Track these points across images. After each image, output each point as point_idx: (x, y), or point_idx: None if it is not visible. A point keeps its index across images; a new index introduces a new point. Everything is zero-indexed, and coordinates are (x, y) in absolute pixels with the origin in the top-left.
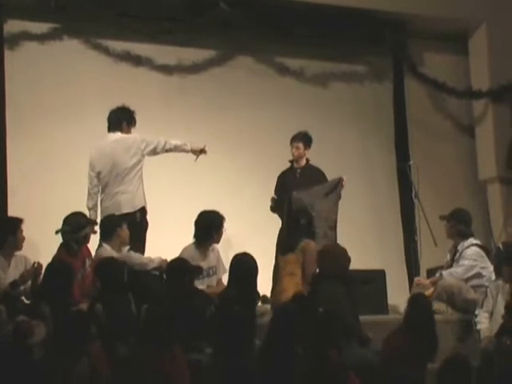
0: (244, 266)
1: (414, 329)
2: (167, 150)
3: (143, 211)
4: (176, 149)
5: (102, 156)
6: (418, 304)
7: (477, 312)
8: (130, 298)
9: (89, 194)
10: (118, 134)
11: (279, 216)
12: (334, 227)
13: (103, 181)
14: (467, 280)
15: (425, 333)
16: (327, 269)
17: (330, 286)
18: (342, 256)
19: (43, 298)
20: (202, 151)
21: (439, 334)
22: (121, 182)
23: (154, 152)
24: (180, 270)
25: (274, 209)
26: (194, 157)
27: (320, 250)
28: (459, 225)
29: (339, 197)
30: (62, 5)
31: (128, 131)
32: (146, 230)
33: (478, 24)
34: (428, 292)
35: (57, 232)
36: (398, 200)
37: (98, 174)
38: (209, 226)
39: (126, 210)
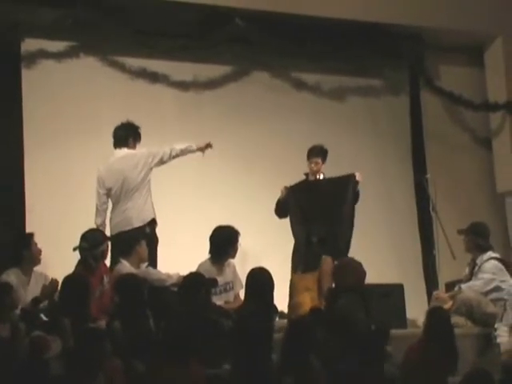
0: (260, 280)
1: (433, 342)
2: (174, 157)
3: (153, 223)
4: (183, 153)
5: (111, 173)
6: (437, 317)
7: (496, 325)
8: (149, 314)
9: (97, 211)
10: (125, 150)
11: (282, 213)
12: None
13: (114, 197)
14: (486, 293)
15: (444, 345)
16: (343, 283)
17: (347, 299)
18: (358, 270)
19: (61, 311)
20: (208, 146)
21: (459, 348)
22: (130, 198)
23: (161, 162)
24: (195, 284)
25: (280, 203)
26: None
27: (336, 265)
28: (477, 238)
29: (356, 195)
30: (78, 23)
31: (134, 147)
32: (156, 244)
33: (494, 37)
34: (447, 306)
35: (74, 249)
36: (415, 214)
37: (109, 191)
38: (224, 242)
39: (136, 224)
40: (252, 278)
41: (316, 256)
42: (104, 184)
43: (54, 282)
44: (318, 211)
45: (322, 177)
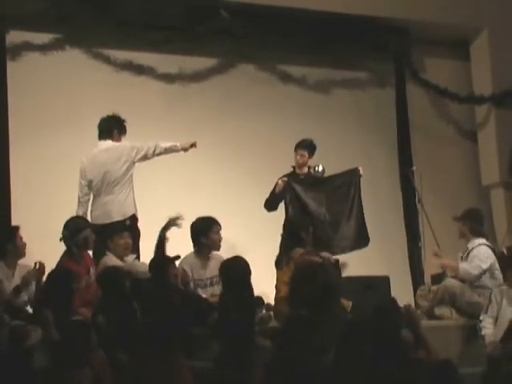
0: (235, 269)
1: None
2: (158, 154)
3: (133, 218)
4: (167, 151)
5: (93, 165)
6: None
7: (481, 317)
8: (135, 306)
9: (79, 202)
10: (109, 143)
11: (273, 206)
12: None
13: (95, 189)
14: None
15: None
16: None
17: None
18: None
19: (44, 304)
20: (192, 145)
21: (444, 340)
22: (111, 191)
23: (144, 158)
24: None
25: (274, 196)
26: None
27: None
28: (475, 224)
29: (358, 188)
30: (64, 15)
31: (119, 139)
32: (138, 237)
33: (480, 30)
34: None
35: (61, 239)
36: (401, 206)
37: (90, 183)
38: (196, 233)
39: (116, 218)
40: (226, 269)
41: (288, 249)
42: (86, 175)
43: (40, 265)
44: (325, 209)
45: (321, 168)
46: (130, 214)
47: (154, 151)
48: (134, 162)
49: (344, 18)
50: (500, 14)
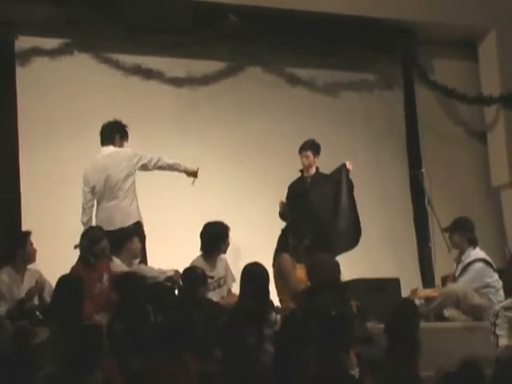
0: (256, 275)
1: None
2: (159, 168)
3: (138, 225)
4: (169, 168)
5: (95, 170)
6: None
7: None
8: (149, 309)
9: (83, 209)
10: (111, 148)
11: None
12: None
13: (97, 194)
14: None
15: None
16: (317, 280)
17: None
18: (331, 266)
19: (52, 313)
20: (194, 174)
21: (452, 341)
22: (114, 196)
23: (145, 168)
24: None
25: (282, 215)
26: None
27: (310, 262)
28: (466, 233)
29: (349, 184)
30: (72, 20)
31: (120, 145)
32: (143, 242)
33: (488, 30)
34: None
35: (75, 247)
36: (410, 207)
37: (93, 189)
38: (216, 238)
39: (120, 225)
40: (247, 274)
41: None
42: (88, 182)
43: (40, 283)
44: (322, 212)
45: (315, 171)
46: (133, 221)
47: (156, 163)
48: (134, 170)
49: (352, 20)
50: (508, 14)
